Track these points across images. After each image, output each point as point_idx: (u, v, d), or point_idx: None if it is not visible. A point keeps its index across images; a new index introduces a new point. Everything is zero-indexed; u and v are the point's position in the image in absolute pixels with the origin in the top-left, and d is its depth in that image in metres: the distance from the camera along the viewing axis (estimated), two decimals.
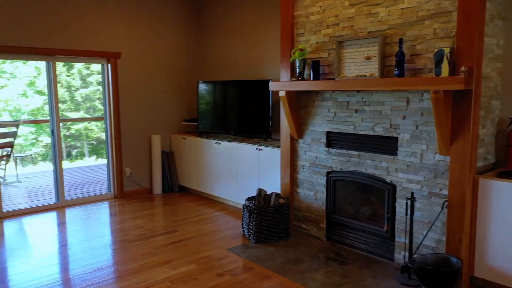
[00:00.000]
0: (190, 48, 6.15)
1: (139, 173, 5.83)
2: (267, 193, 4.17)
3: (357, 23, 3.50)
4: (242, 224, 4.16)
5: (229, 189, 5.15)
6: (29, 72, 10.08)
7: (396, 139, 3.34)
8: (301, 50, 3.84)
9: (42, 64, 9.63)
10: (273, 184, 4.51)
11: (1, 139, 6.47)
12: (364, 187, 3.68)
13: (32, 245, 3.99)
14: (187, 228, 4.42)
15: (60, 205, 5.25)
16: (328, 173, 3.90)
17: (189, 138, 5.71)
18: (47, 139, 9.93)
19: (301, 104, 4.07)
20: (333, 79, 3.63)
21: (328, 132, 3.86)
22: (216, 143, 5.24)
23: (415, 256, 3.17)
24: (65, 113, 9.16)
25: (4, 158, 6.66)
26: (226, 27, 5.72)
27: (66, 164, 9.26)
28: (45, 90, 10.23)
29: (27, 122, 7.52)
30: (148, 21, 5.69)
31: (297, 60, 3.87)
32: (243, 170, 4.91)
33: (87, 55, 5.23)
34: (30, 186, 6.53)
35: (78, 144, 9.71)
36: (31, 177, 7.12)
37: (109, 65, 5.43)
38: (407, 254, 3.29)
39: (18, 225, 4.57)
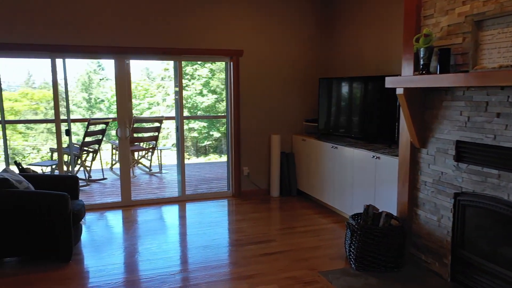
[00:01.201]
0: (314, 44, 5.69)
1: (257, 173, 5.68)
2: (378, 211, 3.46)
3: None
4: (345, 244, 3.55)
5: (344, 200, 4.55)
6: (204, 73, 11.09)
7: None
8: (426, 36, 3.02)
9: (214, 66, 10.53)
10: (390, 200, 3.75)
11: (148, 133, 7.14)
12: (505, 220, 2.68)
13: (156, 234, 4.20)
14: (287, 239, 4.02)
15: (181, 199, 5.46)
16: (456, 194, 2.99)
17: (308, 140, 5.28)
18: (216, 134, 10.84)
19: (426, 105, 3.24)
20: (467, 71, 2.74)
21: (458, 142, 2.96)
22: (332, 147, 4.69)
23: None
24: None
25: (150, 150, 7.35)
26: (354, 19, 5.07)
27: (212, 159, 9.95)
28: (217, 90, 11.19)
29: (166, 119, 8.17)
30: (271, 17, 5.45)
31: (421, 49, 3.07)
32: (359, 180, 4.25)
33: (211, 54, 5.28)
34: (166, 177, 7.04)
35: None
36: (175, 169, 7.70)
37: (231, 63, 5.39)
38: None
39: (143, 214, 4.87)
